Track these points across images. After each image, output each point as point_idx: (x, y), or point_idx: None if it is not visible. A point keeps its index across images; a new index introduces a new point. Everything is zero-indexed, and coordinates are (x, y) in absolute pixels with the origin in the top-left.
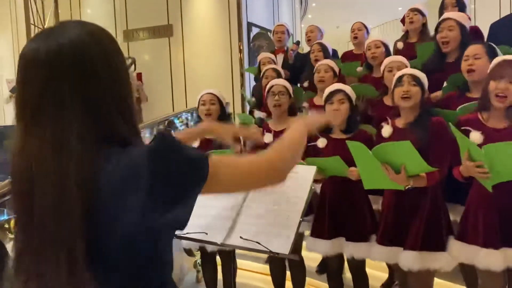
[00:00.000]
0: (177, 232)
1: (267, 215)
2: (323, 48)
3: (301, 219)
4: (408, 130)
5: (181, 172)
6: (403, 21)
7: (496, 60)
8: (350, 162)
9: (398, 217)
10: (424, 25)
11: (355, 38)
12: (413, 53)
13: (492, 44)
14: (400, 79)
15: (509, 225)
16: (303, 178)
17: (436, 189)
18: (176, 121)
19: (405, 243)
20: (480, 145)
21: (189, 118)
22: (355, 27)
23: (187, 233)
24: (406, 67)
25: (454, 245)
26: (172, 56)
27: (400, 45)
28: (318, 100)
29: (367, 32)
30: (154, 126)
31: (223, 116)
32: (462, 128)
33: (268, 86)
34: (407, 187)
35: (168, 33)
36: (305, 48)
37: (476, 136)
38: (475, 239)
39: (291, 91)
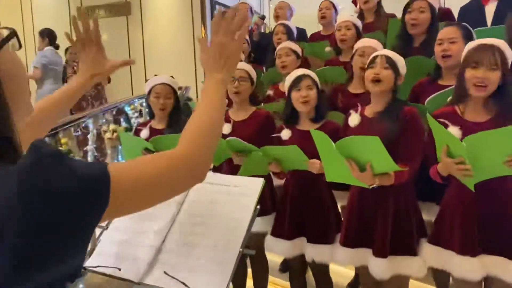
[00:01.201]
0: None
1: (198, 244)
2: (288, 31)
3: (241, 249)
4: (377, 120)
5: (69, 203)
6: (355, 2)
7: (471, 45)
8: (317, 156)
9: (363, 216)
10: (379, 3)
11: (323, 17)
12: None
13: (467, 25)
14: (373, 60)
15: (489, 229)
16: (246, 195)
17: (405, 186)
18: (127, 108)
19: (373, 247)
20: None
21: (143, 104)
22: (322, 6)
23: (97, 266)
24: None
25: (426, 249)
26: (131, 36)
27: None
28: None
29: (336, 11)
30: (99, 115)
31: (178, 108)
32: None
33: None
34: (371, 186)
35: (126, 11)
36: (272, 25)
37: (453, 131)
38: (451, 244)
39: (254, 77)
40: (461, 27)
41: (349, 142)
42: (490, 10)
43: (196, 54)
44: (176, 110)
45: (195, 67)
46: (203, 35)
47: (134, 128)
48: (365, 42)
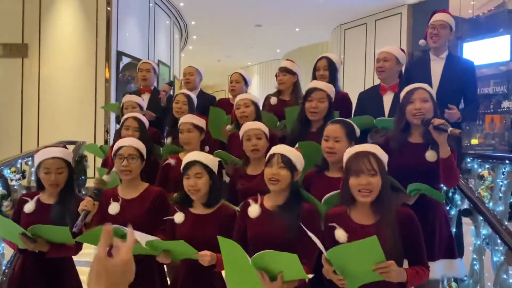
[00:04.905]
0: None
1: None
2: (189, 101)
3: None
4: (278, 214)
5: None
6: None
7: (348, 153)
8: (211, 240)
9: None
10: (295, 84)
11: (233, 90)
12: None
13: (351, 123)
14: (270, 158)
15: None
16: None
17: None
18: (7, 171)
19: None
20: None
21: (29, 163)
22: (233, 79)
23: None
24: (266, 136)
25: None
26: (25, 81)
27: (274, 100)
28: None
29: (246, 84)
30: None
31: (71, 181)
32: (329, 224)
33: (115, 147)
34: None
35: (22, 53)
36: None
37: (340, 234)
38: None
39: (144, 152)
40: (345, 125)
41: (267, 256)
42: (387, 100)
43: (98, 103)
44: (69, 184)
45: (95, 121)
46: (107, 87)
47: (18, 196)
48: (248, 126)
